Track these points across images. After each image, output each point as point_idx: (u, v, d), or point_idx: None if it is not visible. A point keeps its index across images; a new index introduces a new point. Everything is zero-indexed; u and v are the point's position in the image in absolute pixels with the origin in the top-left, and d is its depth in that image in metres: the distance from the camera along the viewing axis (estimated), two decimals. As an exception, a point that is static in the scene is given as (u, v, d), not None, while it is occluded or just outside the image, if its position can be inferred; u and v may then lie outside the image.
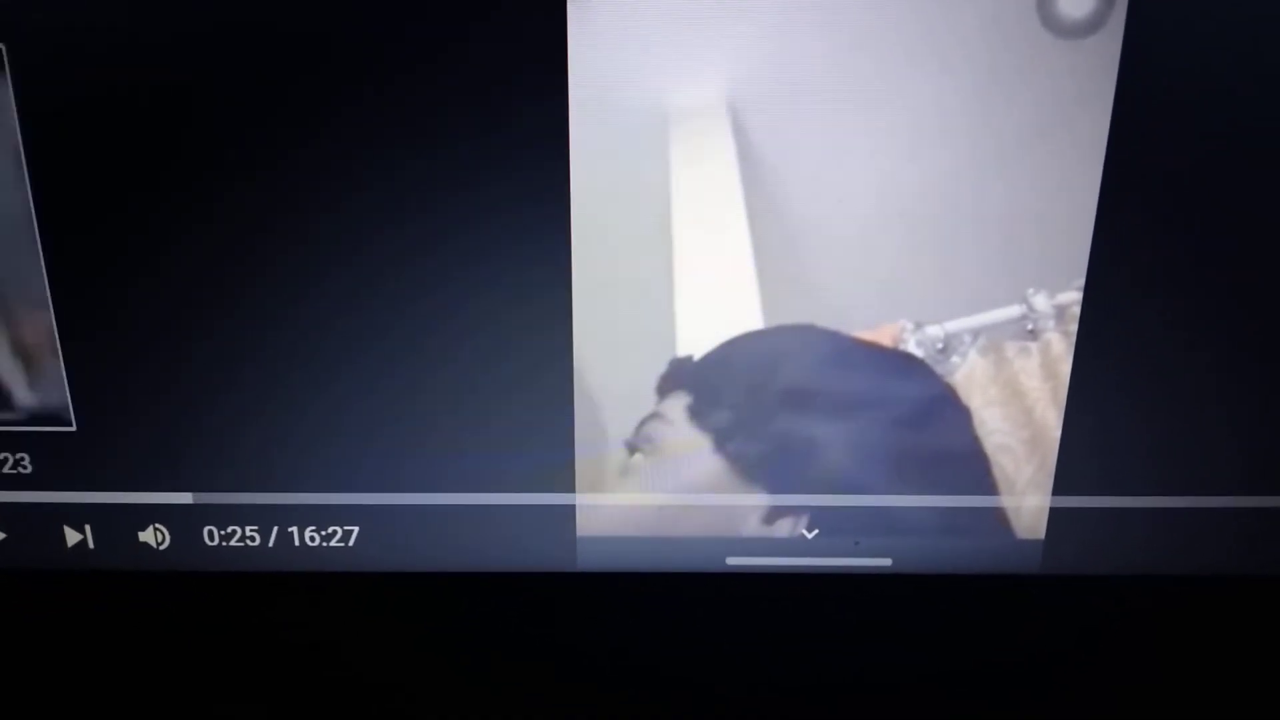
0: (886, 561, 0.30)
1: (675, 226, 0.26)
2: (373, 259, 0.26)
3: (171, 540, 0.29)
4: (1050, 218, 0.26)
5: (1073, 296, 0.27)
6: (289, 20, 0.24)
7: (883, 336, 0.27)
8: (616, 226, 0.26)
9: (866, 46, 0.24)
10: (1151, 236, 0.26)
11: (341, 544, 0.29)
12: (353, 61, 0.24)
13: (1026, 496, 0.29)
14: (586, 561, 0.30)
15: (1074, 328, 0.27)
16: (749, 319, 0.27)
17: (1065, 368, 0.27)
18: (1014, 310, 0.27)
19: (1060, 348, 0.27)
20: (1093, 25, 0.24)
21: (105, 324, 0.27)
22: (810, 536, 0.29)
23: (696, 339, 0.27)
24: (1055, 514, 0.29)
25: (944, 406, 0.28)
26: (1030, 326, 0.27)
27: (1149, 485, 0.29)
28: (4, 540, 0.29)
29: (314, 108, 0.25)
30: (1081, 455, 0.28)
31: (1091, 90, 0.25)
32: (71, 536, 0.29)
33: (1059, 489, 0.29)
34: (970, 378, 0.28)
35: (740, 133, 0.25)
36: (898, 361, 0.27)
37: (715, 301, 0.27)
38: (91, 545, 0.29)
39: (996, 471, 0.28)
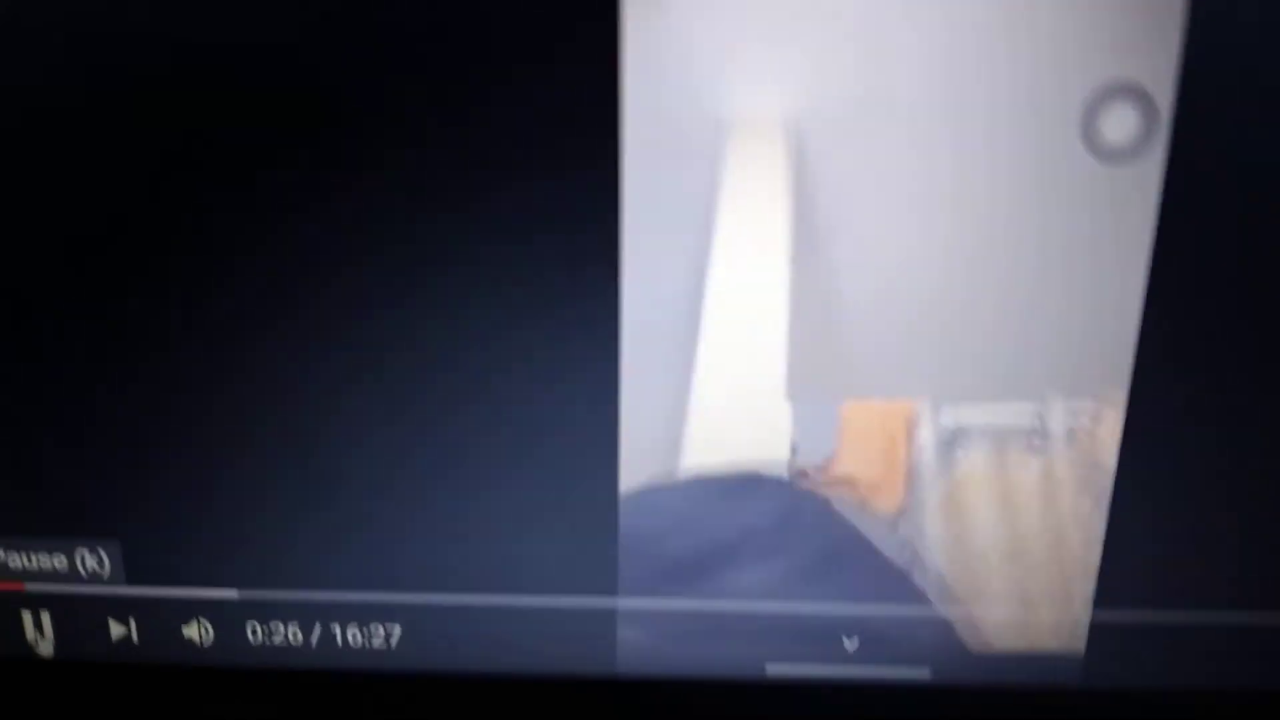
0: (925, 672, 0.30)
1: (710, 283, 0.26)
2: (419, 362, 0.27)
3: (216, 636, 0.29)
4: (1087, 324, 0.26)
5: (1088, 408, 0.27)
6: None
7: (896, 414, 0.27)
8: (664, 328, 0.27)
9: (915, 152, 0.25)
10: (1197, 347, 0.26)
11: (383, 644, 0.29)
12: (389, 127, 0.25)
13: (1047, 609, 0.29)
14: (626, 666, 0.30)
15: (1080, 453, 0.27)
16: (771, 376, 0.27)
17: (1066, 492, 0.28)
18: (1027, 415, 0.27)
19: (1065, 473, 0.27)
20: (1135, 151, 0.25)
21: (149, 426, 0.27)
22: (850, 646, 0.29)
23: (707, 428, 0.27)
24: (1095, 627, 0.29)
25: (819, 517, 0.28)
26: (1038, 441, 0.27)
27: (1191, 599, 0.29)
28: (49, 633, 0.29)
29: (355, 201, 0.25)
30: (1122, 569, 0.28)
31: (1134, 210, 0.25)
32: (116, 630, 0.29)
33: (1099, 604, 0.29)
34: (968, 478, 0.28)
35: (797, 195, 0.26)
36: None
37: (738, 351, 0.27)
38: (136, 639, 0.30)
39: (958, 582, 0.29)
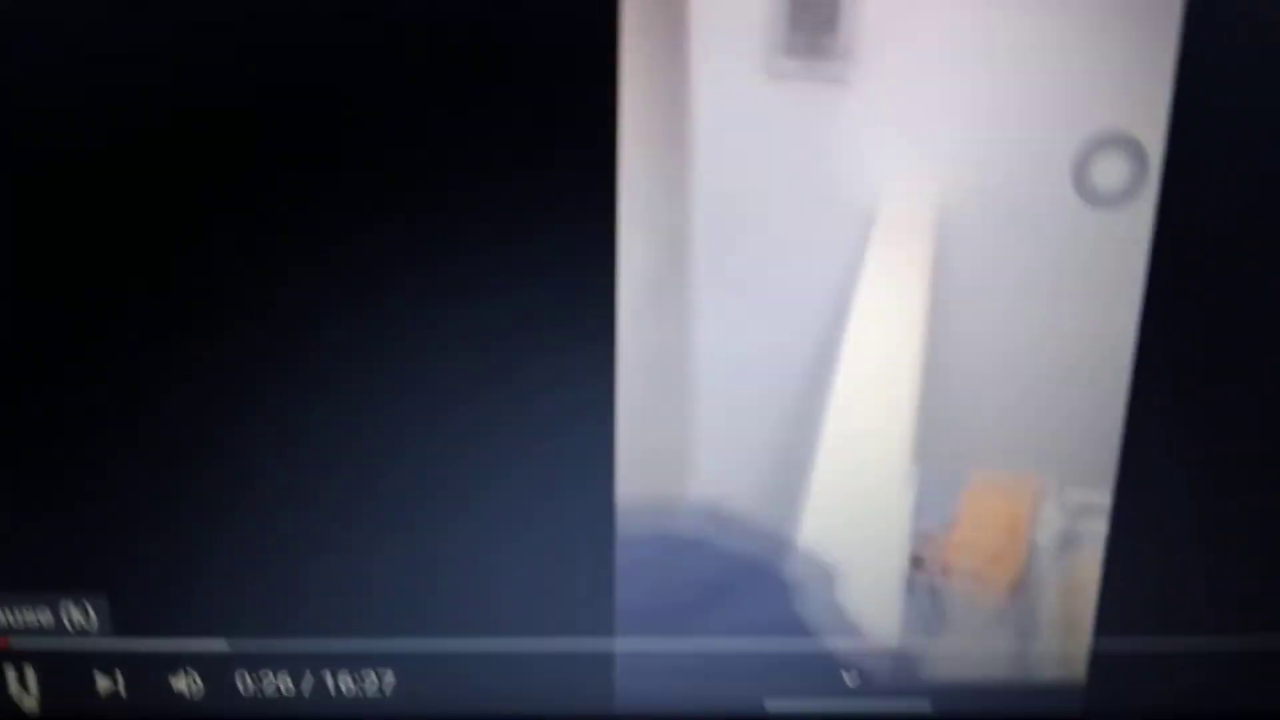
0: (925, 704, 0.29)
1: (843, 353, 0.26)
2: (411, 408, 0.26)
3: (205, 688, 0.29)
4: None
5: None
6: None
7: (1022, 488, 0.27)
8: (661, 370, 0.26)
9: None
10: (1193, 379, 0.26)
11: (377, 692, 0.29)
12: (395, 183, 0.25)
13: (1062, 639, 0.29)
14: (625, 705, 0.29)
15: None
16: (898, 440, 0.27)
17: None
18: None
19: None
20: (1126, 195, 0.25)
21: (134, 476, 0.27)
22: (850, 681, 0.29)
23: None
24: (1097, 657, 0.29)
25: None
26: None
27: (1191, 626, 0.29)
28: (34, 689, 0.29)
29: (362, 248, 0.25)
30: (1122, 599, 0.28)
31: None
32: (103, 684, 0.29)
33: (1100, 632, 0.28)
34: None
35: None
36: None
37: (867, 415, 0.27)
38: (123, 693, 0.29)
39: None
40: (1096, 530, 0.27)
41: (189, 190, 0.24)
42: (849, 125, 0.24)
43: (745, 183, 0.25)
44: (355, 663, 0.29)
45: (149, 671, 0.29)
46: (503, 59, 0.23)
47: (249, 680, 0.29)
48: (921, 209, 0.25)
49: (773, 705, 0.29)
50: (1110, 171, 0.24)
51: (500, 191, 0.24)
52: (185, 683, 0.29)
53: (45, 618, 0.28)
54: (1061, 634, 0.29)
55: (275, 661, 0.29)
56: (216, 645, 0.28)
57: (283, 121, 0.24)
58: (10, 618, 0.28)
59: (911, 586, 0.28)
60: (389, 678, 0.29)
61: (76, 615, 0.28)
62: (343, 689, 0.29)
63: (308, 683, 0.29)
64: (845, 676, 0.29)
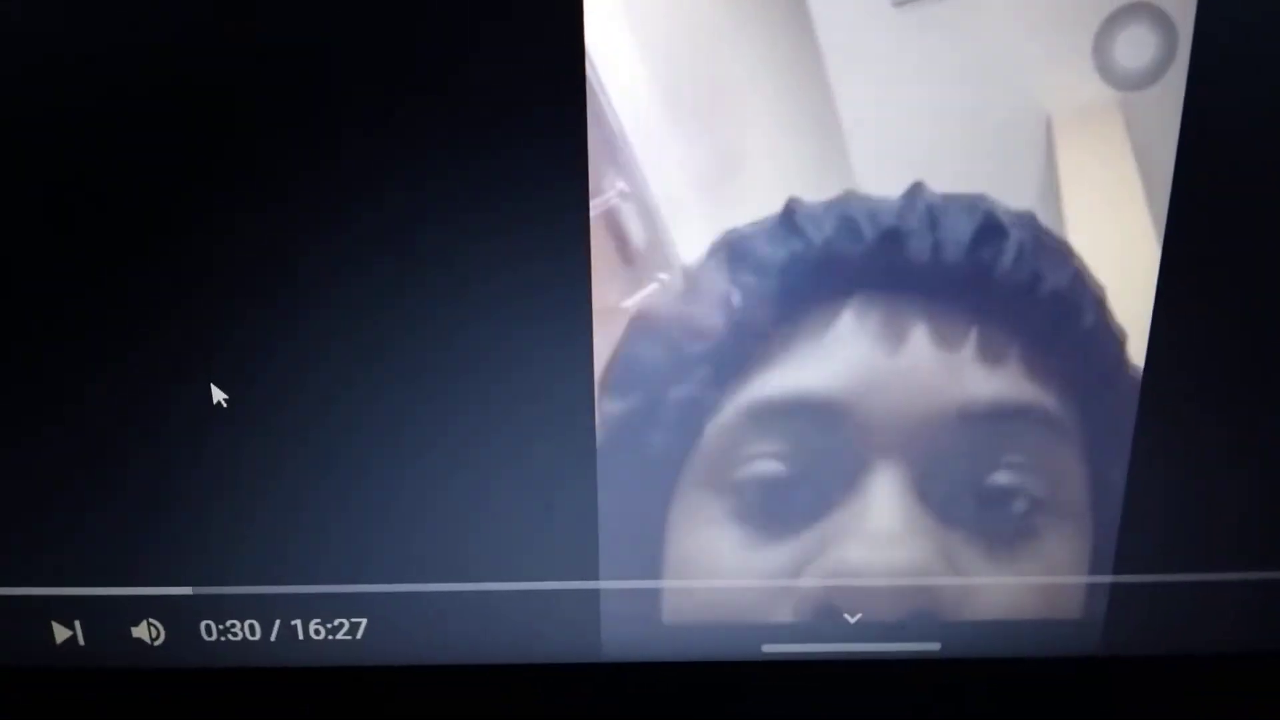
0: (935, 646, 0.28)
1: None
2: (384, 342, 0.25)
3: (167, 636, 0.27)
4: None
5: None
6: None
7: None
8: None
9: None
10: (1217, 294, 0.24)
11: (348, 636, 0.27)
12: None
13: (1078, 574, 0.27)
14: (612, 652, 0.28)
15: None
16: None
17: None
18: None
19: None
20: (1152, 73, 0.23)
21: (97, 415, 0.25)
22: (853, 621, 0.27)
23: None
24: (1115, 590, 0.27)
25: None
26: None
27: (1212, 561, 0.27)
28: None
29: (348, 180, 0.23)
30: (1142, 531, 0.26)
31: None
32: (60, 633, 0.27)
33: (1119, 567, 0.27)
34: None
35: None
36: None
37: None
38: (82, 642, 0.27)
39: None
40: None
41: (167, 152, 0.23)
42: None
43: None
44: (325, 607, 0.27)
45: (108, 619, 0.27)
46: None
47: (214, 627, 0.27)
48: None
49: (771, 649, 0.28)
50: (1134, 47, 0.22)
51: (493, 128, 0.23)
52: (146, 630, 0.27)
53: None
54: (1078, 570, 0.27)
55: (240, 607, 0.27)
56: (181, 591, 0.27)
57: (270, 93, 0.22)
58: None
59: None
60: (362, 623, 0.27)
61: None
62: (312, 634, 0.27)
63: (275, 629, 0.27)
64: (848, 618, 0.27)
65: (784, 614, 0.27)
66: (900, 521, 0.26)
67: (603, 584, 0.27)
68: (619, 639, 0.27)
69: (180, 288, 0.24)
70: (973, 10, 0.22)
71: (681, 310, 0.24)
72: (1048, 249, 0.24)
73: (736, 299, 0.24)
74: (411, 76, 0.23)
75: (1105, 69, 0.23)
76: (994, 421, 0.25)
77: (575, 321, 0.25)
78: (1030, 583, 0.27)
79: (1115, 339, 0.25)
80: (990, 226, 0.24)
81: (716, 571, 0.27)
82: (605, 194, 0.24)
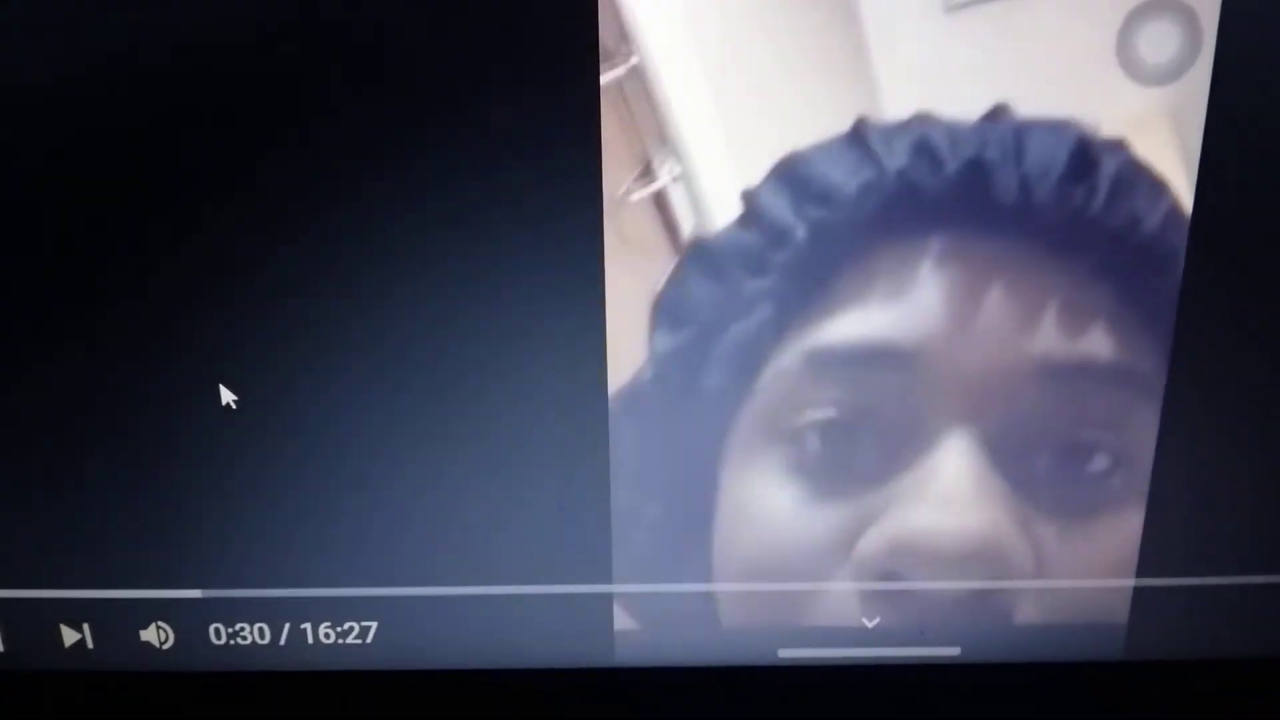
0: (955, 650, 0.27)
1: None
2: (395, 343, 0.24)
3: (175, 639, 0.27)
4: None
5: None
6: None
7: None
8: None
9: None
10: (1241, 287, 0.24)
11: (359, 640, 0.27)
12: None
13: (1106, 577, 0.26)
14: (625, 656, 0.27)
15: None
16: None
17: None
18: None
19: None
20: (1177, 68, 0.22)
21: (103, 416, 0.25)
22: (871, 625, 0.27)
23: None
24: (1139, 594, 0.27)
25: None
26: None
27: (1239, 564, 0.26)
28: (-2, 641, 0.27)
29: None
30: (1167, 534, 0.26)
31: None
32: (69, 636, 0.27)
33: (1143, 570, 0.26)
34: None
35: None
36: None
37: None
38: (90, 645, 0.27)
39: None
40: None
41: (178, 152, 0.23)
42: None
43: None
44: (335, 611, 0.27)
45: (116, 621, 0.27)
46: None
47: (223, 631, 0.27)
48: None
49: (787, 654, 0.27)
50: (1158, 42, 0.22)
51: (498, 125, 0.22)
52: (154, 633, 0.27)
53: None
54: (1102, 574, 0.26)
55: (249, 611, 0.27)
56: (190, 594, 0.27)
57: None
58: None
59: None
60: (372, 627, 0.27)
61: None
62: (322, 638, 0.27)
63: (284, 632, 0.27)
64: (865, 622, 0.27)
65: (801, 618, 0.27)
66: (971, 485, 0.24)
67: (616, 587, 0.27)
68: (632, 643, 0.27)
69: (191, 289, 0.24)
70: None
71: (739, 240, 0.22)
72: (1144, 184, 0.22)
73: (800, 232, 0.22)
74: (420, 71, 0.22)
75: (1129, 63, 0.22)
76: (1078, 382, 0.23)
77: (588, 320, 0.24)
78: (1051, 586, 0.26)
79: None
80: (1083, 157, 0.21)
81: (772, 529, 0.25)
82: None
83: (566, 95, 0.22)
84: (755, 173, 0.22)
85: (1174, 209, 0.22)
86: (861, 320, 0.23)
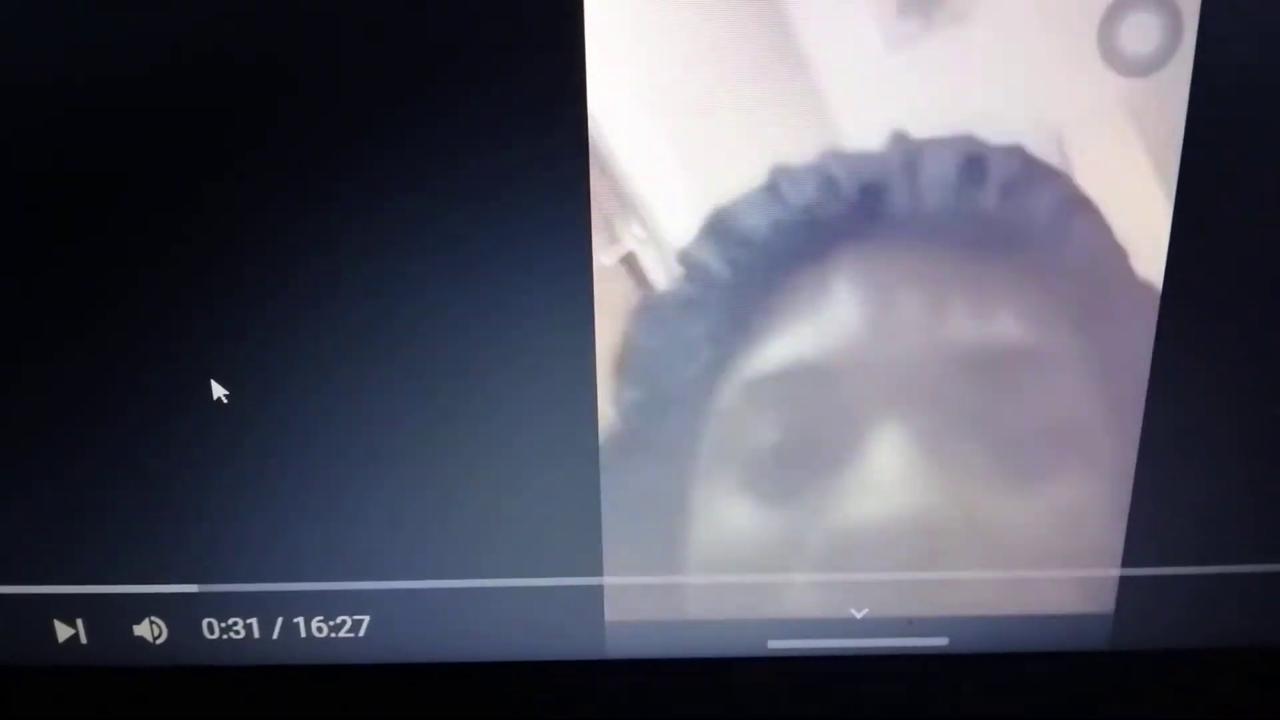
0: (943, 640, 0.27)
1: None
2: (384, 338, 0.24)
3: (169, 634, 0.27)
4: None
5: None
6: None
7: None
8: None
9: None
10: (1224, 274, 0.24)
11: (351, 634, 0.27)
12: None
13: (1092, 567, 0.27)
14: (616, 648, 0.27)
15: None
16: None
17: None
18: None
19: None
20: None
21: (97, 414, 0.25)
22: (859, 616, 0.27)
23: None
24: (1125, 584, 0.27)
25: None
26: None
27: (1226, 553, 0.27)
28: (-9, 636, 0.27)
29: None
30: (1152, 523, 0.26)
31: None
32: (63, 631, 0.27)
33: (1129, 560, 0.26)
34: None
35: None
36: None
37: None
38: (84, 640, 0.27)
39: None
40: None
41: (169, 151, 0.23)
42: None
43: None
44: (328, 605, 0.27)
45: (110, 616, 0.27)
46: None
47: (215, 625, 0.27)
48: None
49: (776, 645, 0.28)
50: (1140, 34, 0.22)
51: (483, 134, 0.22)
52: (148, 628, 0.27)
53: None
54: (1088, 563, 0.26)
55: (242, 605, 0.27)
56: (186, 589, 0.27)
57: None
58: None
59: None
60: (364, 620, 0.27)
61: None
62: (314, 632, 0.27)
63: (277, 626, 0.27)
64: (854, 613, 0.27)
65: (790, 609, 0.27)
66: (902, 472, 0.26)
67: (606, 580, 0.27)
68: (623, 635, 0.27)
69: (181, 284, 0.24)
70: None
71: (680, 293, 0.24)
72: (1040, 180, 0.23)
73: (728, 274, 0.24)
74: (409, 78, 0.22)
75: (1110, 54, 0.22)
76: (996, 365, 0.25)
77: (576, 314, 0.24)
78: (1038, 576, 0.27)
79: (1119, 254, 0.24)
80: (973, 164, 0.23)
81: (738, 544, 0.26)
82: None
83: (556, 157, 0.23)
84: (690, 232, 0.24)
85: (1075, 199, 0.24)
86: (789, 344, 0.25)
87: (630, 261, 0.24)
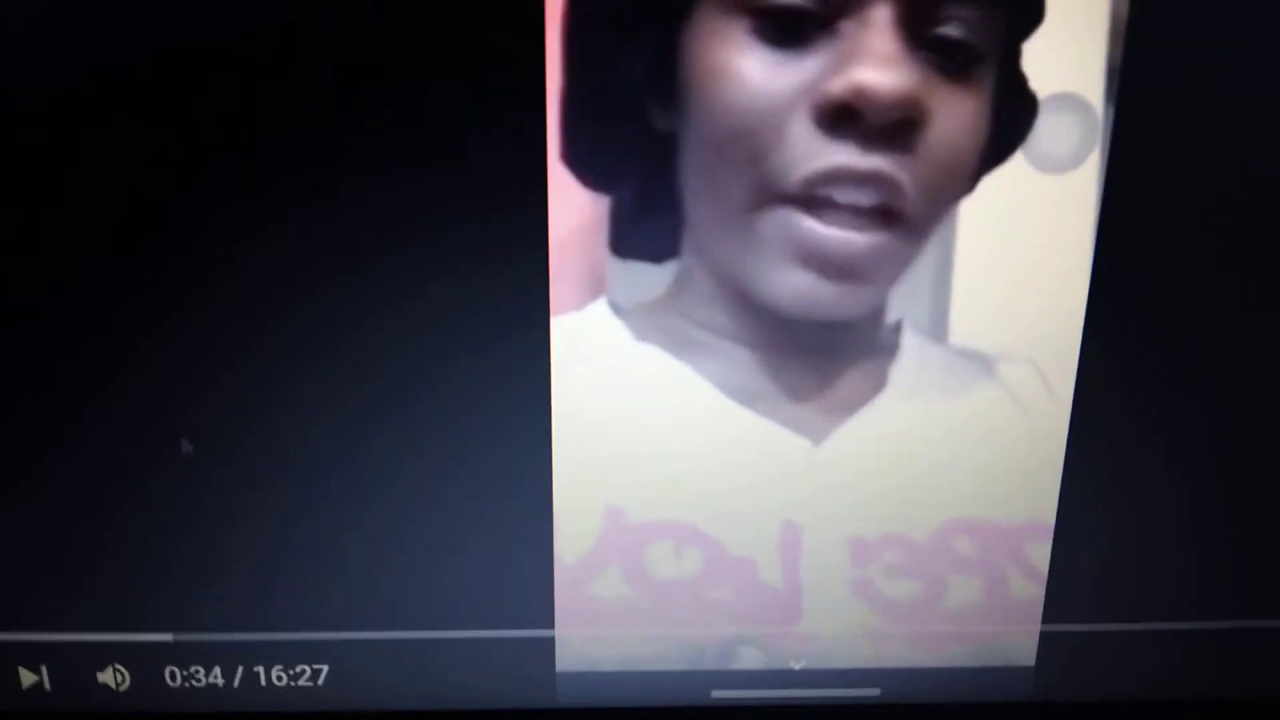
0: (875, 691, 0.29)
1: None
2: (346, 401, 0.25)
3: (131, 682, 0.28)
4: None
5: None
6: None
7: None
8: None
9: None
10: (1143, 346, 0.26)
11: (310, 683, 0.28)
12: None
13: (1012, 623, 0.28)
14: (567, 697, 0.29)
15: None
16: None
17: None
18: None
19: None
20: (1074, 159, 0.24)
21: (67, 463, 0.26)
22: (798, 668, 0.28)
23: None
24: (1046, 639, 0.28)
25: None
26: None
27: (1140, 611, 0.28)
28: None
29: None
30: (1071, 582, 0.28)
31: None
32: (27, 678, 0.28)
33: (1049, 616, 0.28)
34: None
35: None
36: None
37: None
38: (48, 687, 0.28)
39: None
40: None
41: (131, 202, 0.23)
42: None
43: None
44: (288, 654, 0.28)
45: (74, 664, 0.28)
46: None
47: (178, 674, 0.28)
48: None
49: (719, 695, 0.29)
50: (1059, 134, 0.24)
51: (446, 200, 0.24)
52: (111, 675, 0.28)
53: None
54: (1010, 619, 0.28)
55: (204, 654, 0.28)
56: (156, 638, 0.27)
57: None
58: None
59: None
60: (323, 670, 0.28)
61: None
62: (275, 681, 0.28)
63: (238, 675, 0.28)
64: (793, 665, 0.28)
65: (732, 661, 0.28)
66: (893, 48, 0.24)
67: (559, 632, 0.28)
68: (573, 685, 0.28)
69: (151, 343, 0.25)
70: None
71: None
72: None
73: None
74: (373, 116, 0.23)
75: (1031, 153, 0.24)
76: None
77: (532, 370, 0.25)
78: (963, 631, 0.28)
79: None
80: None
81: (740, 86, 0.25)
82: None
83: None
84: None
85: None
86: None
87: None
